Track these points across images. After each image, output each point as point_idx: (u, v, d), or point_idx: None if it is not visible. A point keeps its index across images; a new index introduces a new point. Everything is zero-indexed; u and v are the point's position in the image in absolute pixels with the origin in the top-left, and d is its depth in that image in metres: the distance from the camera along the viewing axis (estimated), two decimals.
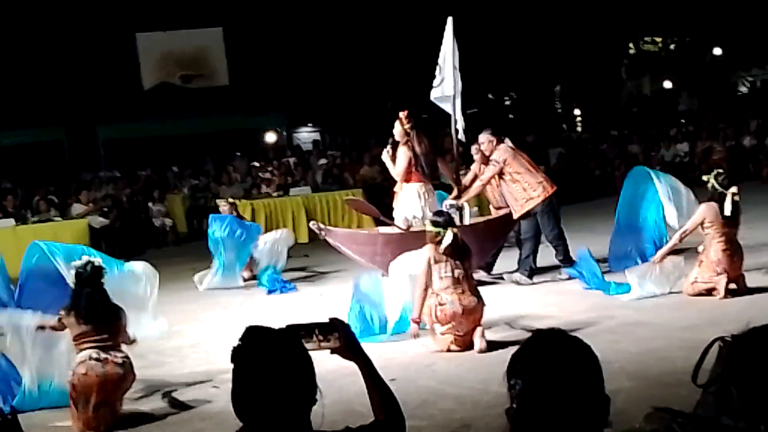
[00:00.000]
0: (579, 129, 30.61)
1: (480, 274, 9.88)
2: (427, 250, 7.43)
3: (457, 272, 7.36)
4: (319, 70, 25.50)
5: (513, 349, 2.13)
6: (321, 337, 2.50)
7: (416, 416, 5.72)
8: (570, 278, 9.67)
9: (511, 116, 32.00)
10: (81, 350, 6.22)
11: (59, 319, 6.38)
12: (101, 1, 23.15)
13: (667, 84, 33.22)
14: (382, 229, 10.54)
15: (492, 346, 7.10)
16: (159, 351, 8.08)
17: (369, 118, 26.58)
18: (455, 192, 10.20)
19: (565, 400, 1.96)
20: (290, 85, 24.94)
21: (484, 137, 10.28)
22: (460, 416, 5.68)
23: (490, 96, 32.54)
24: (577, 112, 32.94)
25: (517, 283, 9.95)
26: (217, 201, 12.50)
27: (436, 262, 7.37)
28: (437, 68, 10.23)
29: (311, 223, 10.70)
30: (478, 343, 7.19)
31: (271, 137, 24.19)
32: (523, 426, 1.99)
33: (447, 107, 10.34)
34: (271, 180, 18.29)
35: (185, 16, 23.53)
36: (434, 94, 10.36)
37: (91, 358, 6.13)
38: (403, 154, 9.71)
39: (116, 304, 6.48)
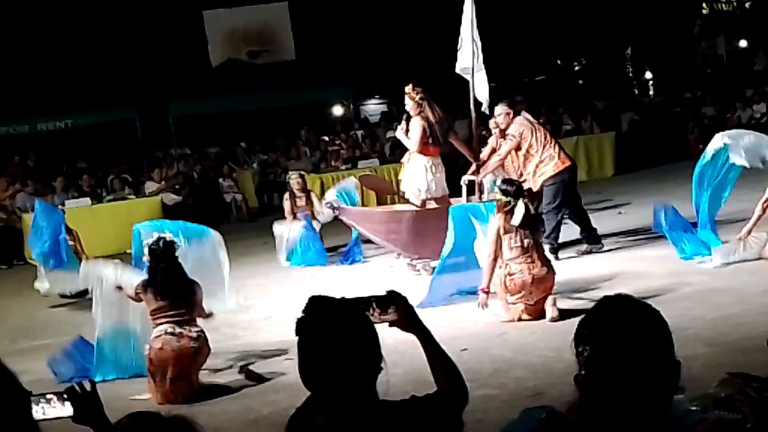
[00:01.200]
0: (651, 92, 29.98)
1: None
2: (497, 220, 7.37)
3: (526, 242, 7.29)
4: (384, 41, 25.41)
5: None
6: (379, 311, 2.49)
7: (489, 385, 5.72)
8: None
9: (580, 82, 31.49)
10: (157, 325, 6.35)
11: (137, 293, 6.52)
12: None
13: (743, 43, 32.29)
14: (398, 207, 10.44)
15: (564, 314, 7.05)
16: (233, 324, 8.21)
17: (436, 88, 26.43)
18: (473, 167, 10.02)
19: (634, 366, 1.92)
20: (356, 58, 24.91)
21: (501, 109, 9.95)
22: (532, 384, 5.66)
23: (558, 62, 32.05)
24: (648, 75, 32.24)
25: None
26: (290, 173, 12.54)
27: (506, 232, 7.30)
28: (459, 40, 10.01)
29: (324, 202, 10.52)
30: (550, 311, 7.14)
31: (338, 110, 24.23)
32: (592, 392, 1.97)
33: (468, 76, 10.15)
34: (339, 153, 18.36)
35: None
36: (457, 68, 10.17)
37: (166, 333, 6.25)
38: (417, 124, 9.56)
39: (192, 279, 6.60)
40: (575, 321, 2.14)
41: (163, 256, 6.48)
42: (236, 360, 7.05)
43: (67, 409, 2.65)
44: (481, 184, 9.92)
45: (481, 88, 10.00)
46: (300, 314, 2.31)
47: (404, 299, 2.56)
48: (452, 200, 9.85)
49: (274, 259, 11.62)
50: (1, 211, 14.48)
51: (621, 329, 1.96)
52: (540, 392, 5.44)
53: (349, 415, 2.24)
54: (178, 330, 6.27)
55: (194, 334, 6.33)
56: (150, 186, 16.17)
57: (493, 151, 10.22)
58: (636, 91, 30.39)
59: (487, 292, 7.26)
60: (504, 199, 7.35)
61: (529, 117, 10.08)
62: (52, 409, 2.64)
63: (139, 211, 14.90)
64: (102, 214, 14.44)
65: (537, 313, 7.22)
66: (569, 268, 8.84)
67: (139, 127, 20.09)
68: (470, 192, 9.90)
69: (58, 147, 20.37)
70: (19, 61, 21.57)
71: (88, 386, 2.73)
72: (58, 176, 16.53)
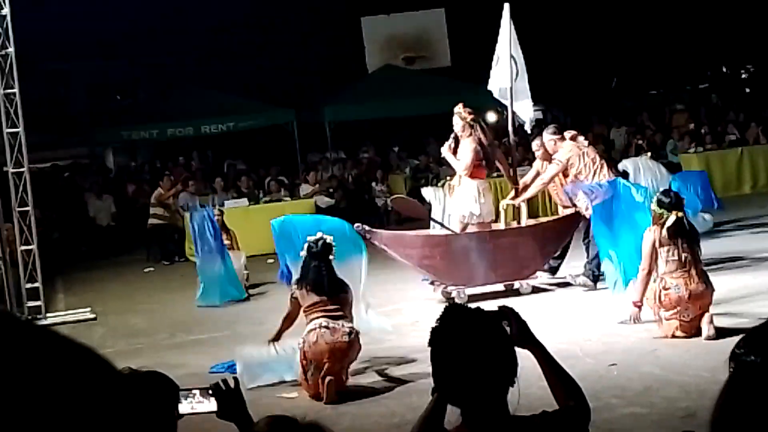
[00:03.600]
0: None
1: (541, 278, 9.48)
2: (652, 233, 7.17)
3: (684, 256, 7.05)
4: (538, 47, 25.10)
5: None
6: None
7: (637, 403, 5.54)
8: None
9: (747, 90, 30.13)
10: (311, 320, 6.49)
11: (292, 299, 6.65)
12: None
13: None
14: (432, 231, 10.17)
15: (721, 333, 6.75)
16: (380, 328, 8.26)
17: (592, 94, 25.91)
18: (512, 192, 9.74)
19: None
20: None
21: (548, 136, 9.73)
22: (684, 405, 5.44)
23: (724, 69, 30.80)
24: None
25: (583, 286, 9.19)
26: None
27: (662, 245, 7.09)
28: (494, 57, 9.82)
29: (355, 225, 10.25)
30: (706, 329, 6.86)
31: (492, 117, 24.09)
32: (729, 410, 1.84)
33: (505, 99, 9.97)
34: None
35: None
36: (491, 85, 9.92)
37: (321, 327, 6.39)
38: (469, 146, 9.38)
39: (342, 279, 6.72)
40: (733, 341, 2.03)
41: (319, 255, 6.69)
42: (382, 363, 7.10)
43: (212, 405, 2.74)
44: (518, 208, 9.69)
45: (523, 108, 9.85)
46: (435, 323, 2.30)
47: (517, 315, 2.49)
48: (492, 225, 9.67)
49: None
50: (165, 209, 15.12)
51: None
52: (692, 414, 5.22)
53: (479, 429, 2.20)
54: (332, 324, 6.41)
55: (347, 329, 6.45)
56: (304, 189, 16.54)
57: (537, 174, 9.94)
58: None
59: (640, 306, 7.06)
60: (658, 210, 7.15)
61: (582, 142, 9.75)
62: (199, 404, 2.73)
63: (293, 212, 15.26)
64: (258, 215, 14.83)
65: (692, 330, 6.95)
66: (727, 285, 8.45)
67: (296, 131, 20.61)
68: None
69: (219, 148, 21.14)
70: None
71: (232, 383, 2.80)
72: (218, 177, 17.15)
